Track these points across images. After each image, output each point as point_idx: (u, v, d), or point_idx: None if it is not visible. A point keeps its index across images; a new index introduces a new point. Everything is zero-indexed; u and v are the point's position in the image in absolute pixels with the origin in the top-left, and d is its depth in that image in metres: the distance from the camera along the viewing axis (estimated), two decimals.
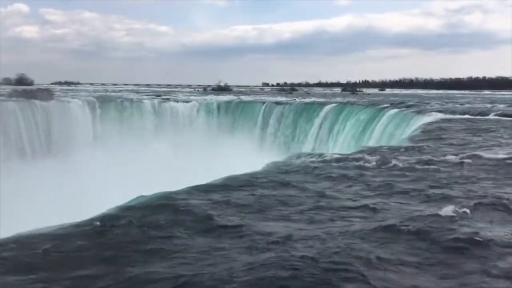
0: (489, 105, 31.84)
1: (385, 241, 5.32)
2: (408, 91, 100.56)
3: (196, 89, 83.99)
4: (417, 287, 4.18)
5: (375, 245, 5.16)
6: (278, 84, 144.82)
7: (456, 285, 4.26)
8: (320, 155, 11.74)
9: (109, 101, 39.44)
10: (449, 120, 20.89)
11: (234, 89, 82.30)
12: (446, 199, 7.09)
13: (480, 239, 5.29)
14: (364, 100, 41.72)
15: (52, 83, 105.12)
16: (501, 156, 10.88)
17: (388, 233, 5.59)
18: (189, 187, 7.61)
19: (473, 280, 4.35)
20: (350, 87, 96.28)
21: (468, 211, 6.38)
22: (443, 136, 15.20)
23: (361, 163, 10.31)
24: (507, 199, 7.04)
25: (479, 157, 10.83)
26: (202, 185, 7.88)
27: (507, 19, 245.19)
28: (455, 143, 13.53)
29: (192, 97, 47.63)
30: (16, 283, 4.19)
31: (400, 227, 5.78)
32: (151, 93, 54.83)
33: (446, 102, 37.15)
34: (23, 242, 5.14)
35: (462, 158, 10.71)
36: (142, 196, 6.93)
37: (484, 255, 4.91)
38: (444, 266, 4.65)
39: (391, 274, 4.40)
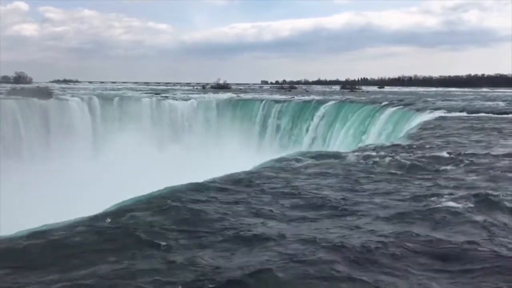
0: (487, 103, 31.89)
1: (374, 238, 5.34)
2: (407, 89, 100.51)
3: (195, 87, 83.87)
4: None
5: (363, 244, 5.18)
6: (277, 82, 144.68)
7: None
8: (319, 153, 11.75)
9: (108, 99, 39.39)
10: (447, 118, 20.91)
11: (233, 87, 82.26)
12: (442, 197, 7.11)
13: (471, 237, 5.32)
14: (363, 98, 41.72)
15: (51, 81, 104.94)
16: (496, 153, 10.93)
17: (381, 231, 5.61)
18: (188, 184, 7.62)
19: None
20: (349, 85, 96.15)
21: (464, 209, 6.42)
22: (441, 134, 15.23)
23: (359, 161, 10.33)
24: (503, 196, 7.08)
25: (474, 154, 10.87)
26: (200, 183, 7.90)
27: (505, 17, 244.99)
28: (452, 140, 13.55)
29: (191, 95, 47.61)
30: (15, 281, 4.21)
31: (395, 226, 5.81)
32: (150, 91, 54.76)
33: (445, 100, 37.17)
34: (20, 241, 5.15)
35: (459, 155, 10.74)
36: (134, 198, 6.90)
37: (478, 252, 4.94)
38: (435, 266, 4.67)
39: (384, 270, 4.43)
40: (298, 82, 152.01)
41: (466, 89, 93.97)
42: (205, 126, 39.87)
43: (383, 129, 25.48)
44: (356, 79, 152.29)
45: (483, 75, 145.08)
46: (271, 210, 6.60)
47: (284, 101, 40.41)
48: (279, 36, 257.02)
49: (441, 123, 18.78)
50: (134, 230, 5.50)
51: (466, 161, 10.16)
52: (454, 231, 5.58)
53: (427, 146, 12.38)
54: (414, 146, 12.36)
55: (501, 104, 31.20)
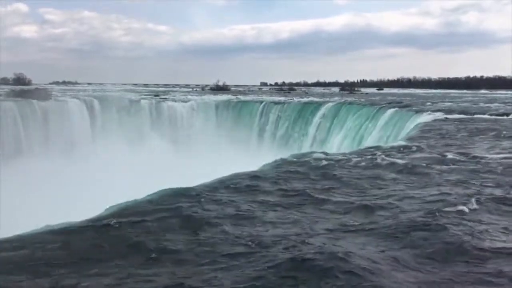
0: (485, 105, 31.96)
1: (374, 241, 5.36)
2: (406, 91, 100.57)
3: (194, 89, 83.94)
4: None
5: (364, 245, 5.20)
6: (276, 84, 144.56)
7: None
8: (319, 154, 11.75)
9: (107, 101, 39.39)
10: (446, 120, 20.94)
11: (232, 88, 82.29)
12: (441, 199, 7.13)
13: (474, 239, 5.34)
14: (362, 99, 41.78)
15: (50, 83, 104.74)
16: (496, 156, 10.95)
17: (379, 233, 5.63)
18: (183, 188, 7.61)
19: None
20: (348, 87, 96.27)
21: (463, 210, 6.44)
22: (440, 135, 15.25)
23: (359, 162, 10.34)
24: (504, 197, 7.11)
25: (473, 155, 10.90)
26: (201, 184, 7.90)
27: (504, 18, 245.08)
28: (451, 142, 13.58)
29: (190, 97, 47.65)
30: (16, 282, 4.21)
31: (393, 227, 5.83)
32: (149, 93, 54.74)
33: (444, 101, 37.22)
34: (19, 242, 5.15)
35: (458, 156, 10.77)
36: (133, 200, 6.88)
37: (479, 256, 4.96)
38: (434, 267, 4.68)
39: (380, 273, 4.44)
40: (298, 84, 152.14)
41: (465, 91, 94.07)
42: (204, 128, 39.90)
43: (382, 131, 25.50)
44: (355, 81, 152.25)
45: (482, 77, 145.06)
46: (271, 210, 6.62)
47: (284, 102, 40.47)
48: (278, 37, 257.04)
49: (440, 124, 18.80)
50: (135, 232, 5.50)
51: (465, 162, 10.19)
52: (453, 234, 5.60)
53: (427, 147, 12.40)
54: (413, 148, 12.38)
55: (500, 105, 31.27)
